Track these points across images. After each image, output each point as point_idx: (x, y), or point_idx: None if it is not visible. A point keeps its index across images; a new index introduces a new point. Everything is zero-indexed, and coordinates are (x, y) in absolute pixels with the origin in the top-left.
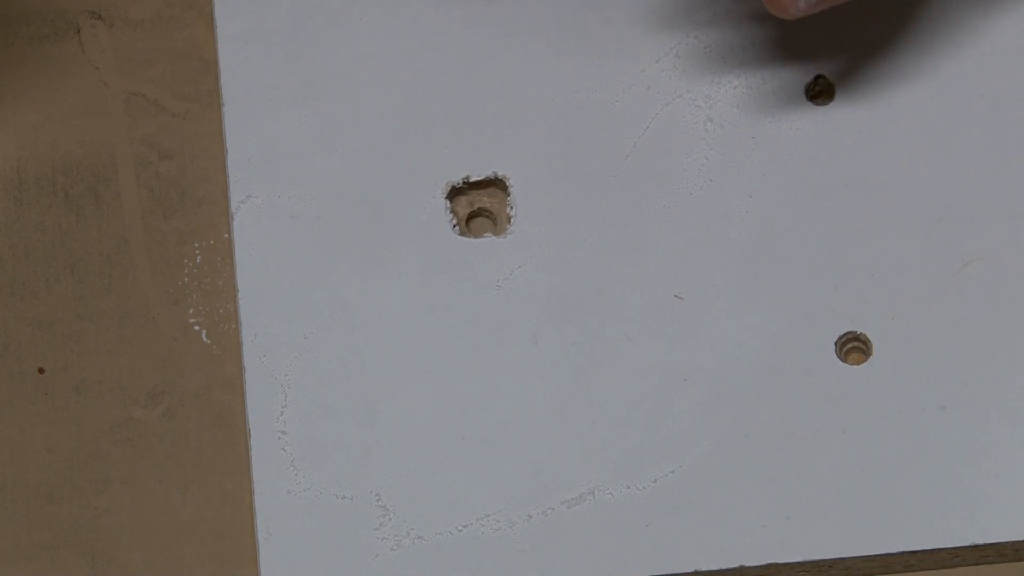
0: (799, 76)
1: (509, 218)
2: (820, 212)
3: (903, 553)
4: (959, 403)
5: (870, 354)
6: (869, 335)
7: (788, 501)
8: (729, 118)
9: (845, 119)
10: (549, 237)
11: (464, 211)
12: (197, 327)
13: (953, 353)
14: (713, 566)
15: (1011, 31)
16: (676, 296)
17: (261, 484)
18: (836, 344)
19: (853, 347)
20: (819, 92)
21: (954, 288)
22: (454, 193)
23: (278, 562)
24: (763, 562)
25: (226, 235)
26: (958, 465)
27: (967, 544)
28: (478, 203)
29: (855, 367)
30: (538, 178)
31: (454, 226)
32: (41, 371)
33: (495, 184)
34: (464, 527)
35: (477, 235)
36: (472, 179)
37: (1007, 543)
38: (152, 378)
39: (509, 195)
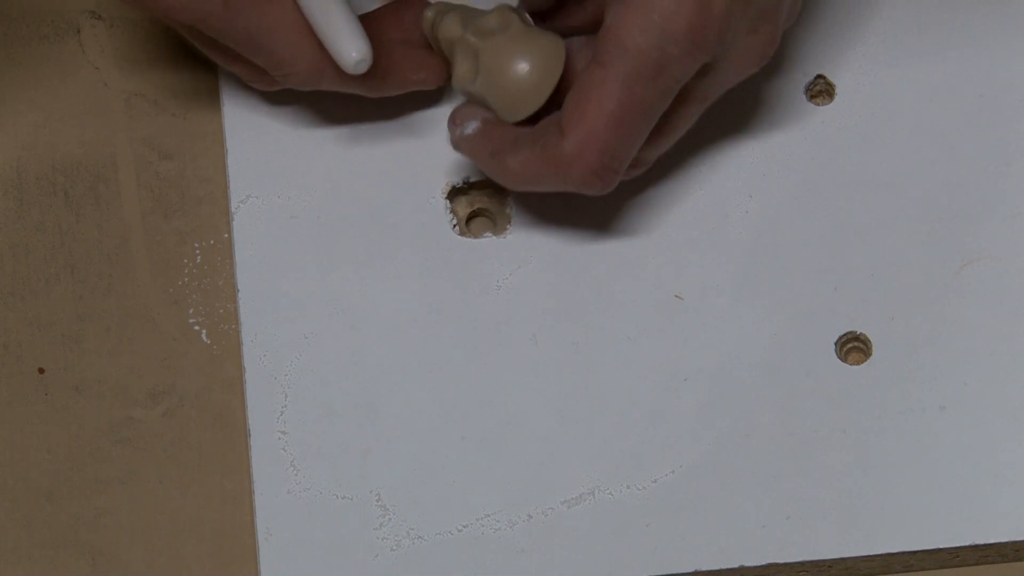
0: (799, 76)
1: (509, 218)
2: (820, 212)
3: (903, 553)
4: (959, 403)
5: (870, 354)
6: (869, 335)
7: (788, 501)
8: (729, 118)
9: (845, 119)
10: (549, 237)
11: (464, 211)
12: (197, 327)
13: (953, 353)
14: (713, 566)
15: (1011, 31)
16: (676, 296)
17: (261, 484)
18: (836, 344)
19: (853, 347)
20: (819, 92)
21: (954, 288)
22: (454, 193)
23: (278, 562)
24: (763, 562)
25: (226, 235)
26: (958, 465)
27: (967, 544)
28: (478, 203)
29: (855, 367)
30: None
31: (454, 226)
32: (41, 371)
33: (495, 184)
34: (464, 527)
35: (477, 235)
36: (472, 179)
37: (1007, 543)
38: (152, 378)
39: (509, 195)
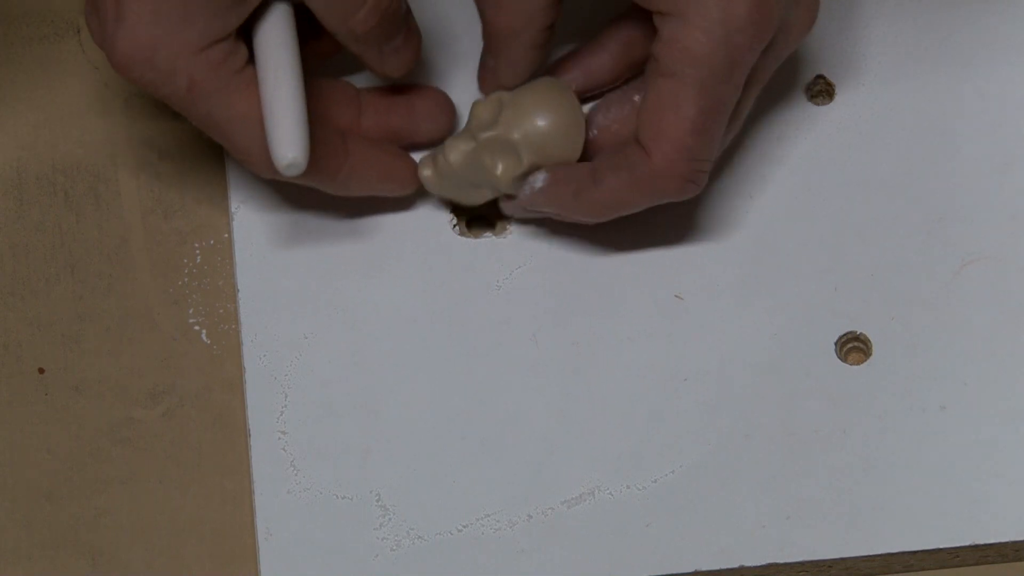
0: (799, 76)
1: (509, 218)
2: (820, 212)
3: (903, 553)
4: (959, 403)
5: (870, 354)
6: (869, 335)
7: (788, 501)
8: None
9: (845, 119)
10: (549, 237)
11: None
12: (197, 327)
13: (953, 353)
14: (713, 566)
15: (1011, 30)
16: (676, 296)
17: (261, 484)
18: (836, 344)
19: (853, 347)
20: (819, 92)
21: (954, 288)
22: None
23: (278, 562)
24: (763, 562)
25: (226, 235)
26: (958, 465)
27: (967, 544)
28: None
29: (855, 367)
30: None
31: (454, 226)
32: (41, 371)
33: None
34: (464, 527)
35: (477, 235)
36: None
37: (1007, 543)
38: (152, 378)
39: None
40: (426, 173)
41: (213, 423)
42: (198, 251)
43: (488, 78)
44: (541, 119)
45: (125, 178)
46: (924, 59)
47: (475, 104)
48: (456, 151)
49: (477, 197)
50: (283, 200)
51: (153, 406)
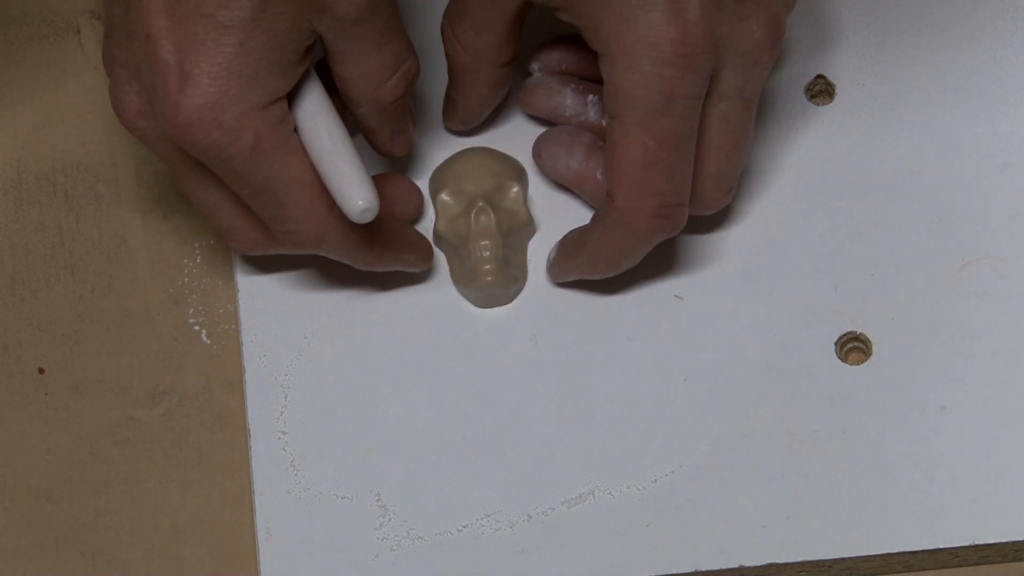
0: (799, 76)
1: None
2: (820, 212)
3: (903, 553)
4: (959, 403)
5: (870, 354)
6: (869, 335)
7: (788, 501)
8: None
9: (845, 119)
10: (550, 238)
11: None
12: (197, 327)
13: (953, 353)
14: (713, 566)
15: (1012, 30)
16: (676, 296)
17: (261, 484)
18: (836, 344)
19: (853, 347)
20: (819, 92)
21: (954, 288)
22: None
23: (278, 562)
24: (763, 562)
25: None
26: (958, 465)
27: (967, 544)
28: None
29: (855, 367)
30: (538, 177)
31: None
32: (41, 371)
33: None
34: (464, 527)
35: None
36: None
37: (1007, 543)
38: (152, 378)
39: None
40: (489, 278)
41: (213, 423)
42: (198, 251)
43: (450, 110)
44: (456, 166)
45: (125, 178)
46: (924, 59)
47: (443, 227)
48: (486, 250)
49: (524, 255)
50: None
51: (153, 406)
